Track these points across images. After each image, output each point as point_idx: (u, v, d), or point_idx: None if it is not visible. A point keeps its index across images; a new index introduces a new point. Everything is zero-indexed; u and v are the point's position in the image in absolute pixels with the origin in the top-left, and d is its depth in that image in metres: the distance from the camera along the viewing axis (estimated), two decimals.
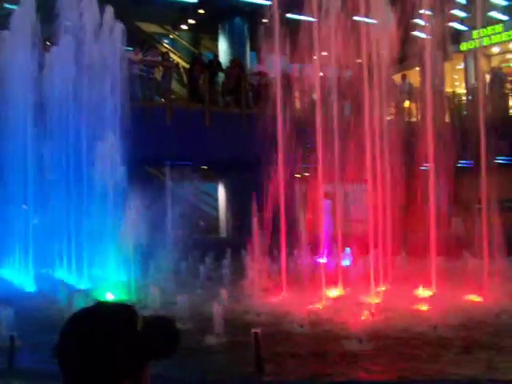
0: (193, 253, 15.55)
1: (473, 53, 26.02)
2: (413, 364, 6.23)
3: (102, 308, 1.58)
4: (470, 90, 23.63)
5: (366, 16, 11.37)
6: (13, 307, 8.13)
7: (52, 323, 8.56)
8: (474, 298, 9.72)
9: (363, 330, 7.14)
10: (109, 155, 12.37)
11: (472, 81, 25.59)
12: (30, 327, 8.15)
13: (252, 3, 21.80)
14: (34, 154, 13.72)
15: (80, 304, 8.68)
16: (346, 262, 13.24)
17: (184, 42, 29.14)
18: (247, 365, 5.93)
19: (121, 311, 1.59)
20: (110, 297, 10.45)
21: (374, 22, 11.47)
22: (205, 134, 18.65)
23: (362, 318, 7.93)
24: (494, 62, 27.28)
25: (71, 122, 14.12)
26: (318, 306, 9.33)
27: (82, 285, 12.07)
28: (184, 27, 28.18)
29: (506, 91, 22.87)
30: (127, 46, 15.55)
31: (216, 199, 24.24)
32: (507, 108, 22.74)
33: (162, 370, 6.23)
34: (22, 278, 13.42)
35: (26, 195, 14.07)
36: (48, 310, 9.76)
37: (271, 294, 10.06)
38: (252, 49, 25.15)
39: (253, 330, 5.78)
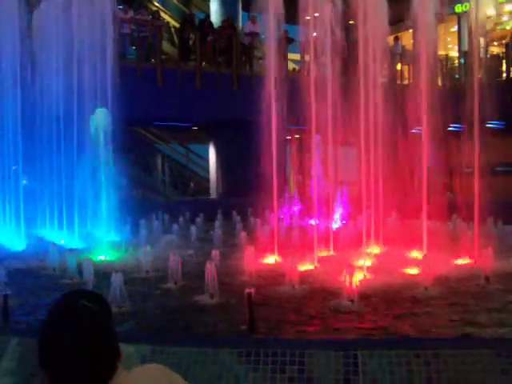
0: (184, 214, 15.54)
1: (467, 15, 25.72)
2: (404, 322, 6.28)
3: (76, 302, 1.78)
4: None
5: None
6: (2, 266, 8.11)
7: (42, 284, 8.57)
8: None
9: (355, 290, 7.17)
10: (98, 115, 12.21)
11: (465, 44, 25.37)
12: (19, 287, 8.13)
13: None
14: (23, 114, 13.52)
15: (71, 264, 8.66)
16: (336, 224, 13.30)
17: (175, 1, 28.65)
18: (240, 324, 5.97)
19: (92, 296, 1.83)
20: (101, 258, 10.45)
21: None
22: (196, 94, 18.46)
23: (354, 279, 7.95)
24: (489, 25, 27.00)
25: (59, 81, 13.91)
26: (310, 266, 9.37)
27: (73, 245, 12.04)
28: None
29: None
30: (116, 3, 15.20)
31: (207, 160, 24.15)
32: None
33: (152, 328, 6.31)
34: (12, 238, 13.36)
35: (16, 155, 13.92)
36: (38, 271, 9.75)
37: (263, 255, 10.06)
38: (244, 9, 24.76)
39: (246, 290, 5.81)
